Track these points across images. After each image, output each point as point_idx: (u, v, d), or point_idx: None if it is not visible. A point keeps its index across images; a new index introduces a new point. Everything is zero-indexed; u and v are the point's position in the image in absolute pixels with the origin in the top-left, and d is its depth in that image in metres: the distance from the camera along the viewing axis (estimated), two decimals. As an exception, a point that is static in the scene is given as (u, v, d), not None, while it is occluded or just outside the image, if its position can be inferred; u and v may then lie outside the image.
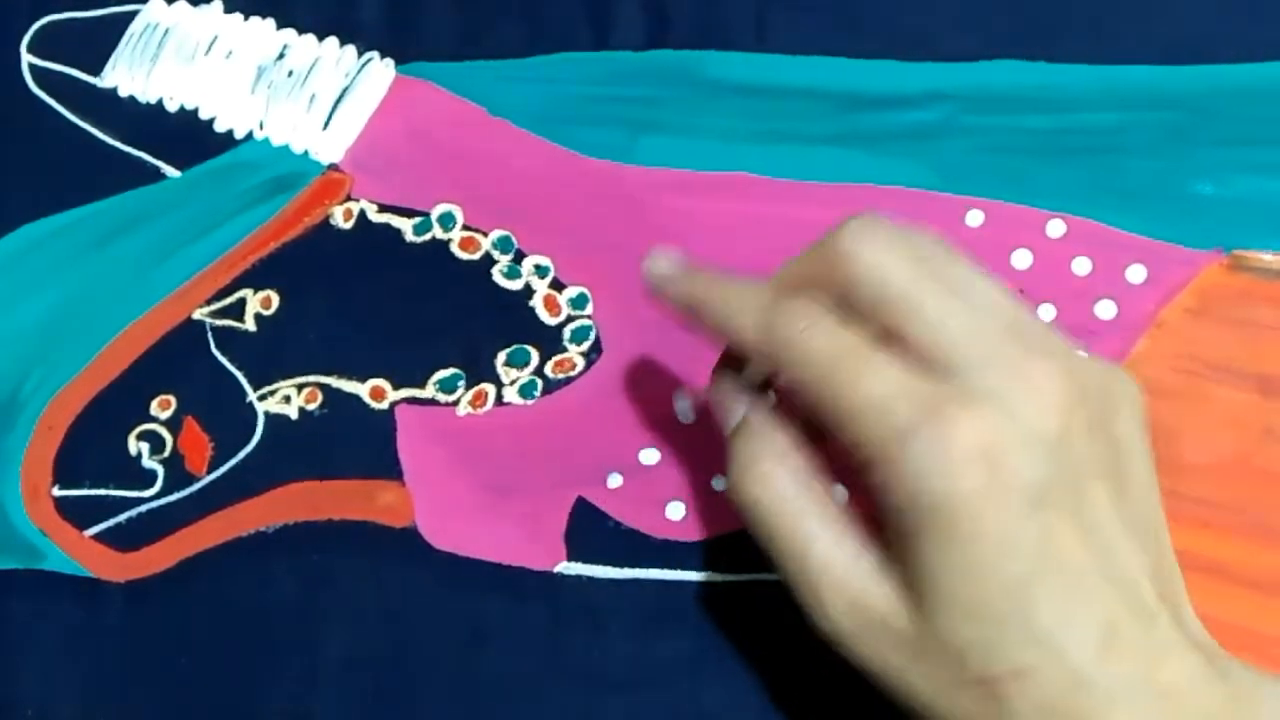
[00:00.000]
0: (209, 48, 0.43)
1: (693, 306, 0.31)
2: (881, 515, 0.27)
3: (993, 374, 0.26)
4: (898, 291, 0.27)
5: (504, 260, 0.39)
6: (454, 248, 0.40)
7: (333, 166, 0.41)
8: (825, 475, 0.29)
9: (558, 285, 0.39)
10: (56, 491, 0.38)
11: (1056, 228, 0.37)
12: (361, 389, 0.38)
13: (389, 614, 0.36)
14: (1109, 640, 0.26)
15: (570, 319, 0.38)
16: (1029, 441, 0.26)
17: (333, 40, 0.43)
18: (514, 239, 0.39)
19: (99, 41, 0.43)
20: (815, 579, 0.28)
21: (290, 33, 0.43)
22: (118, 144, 0.42)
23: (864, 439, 0.26)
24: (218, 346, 0.39)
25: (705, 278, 0.31)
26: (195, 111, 0.42)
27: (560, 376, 0.38)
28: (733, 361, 0.32)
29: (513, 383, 0.38)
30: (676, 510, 0.36)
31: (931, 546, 0.26)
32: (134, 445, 0.38)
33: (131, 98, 0.43)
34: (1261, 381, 0.36)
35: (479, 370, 0.38)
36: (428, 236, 0.40)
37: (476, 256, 0.40)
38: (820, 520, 0.28)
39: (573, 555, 0.36)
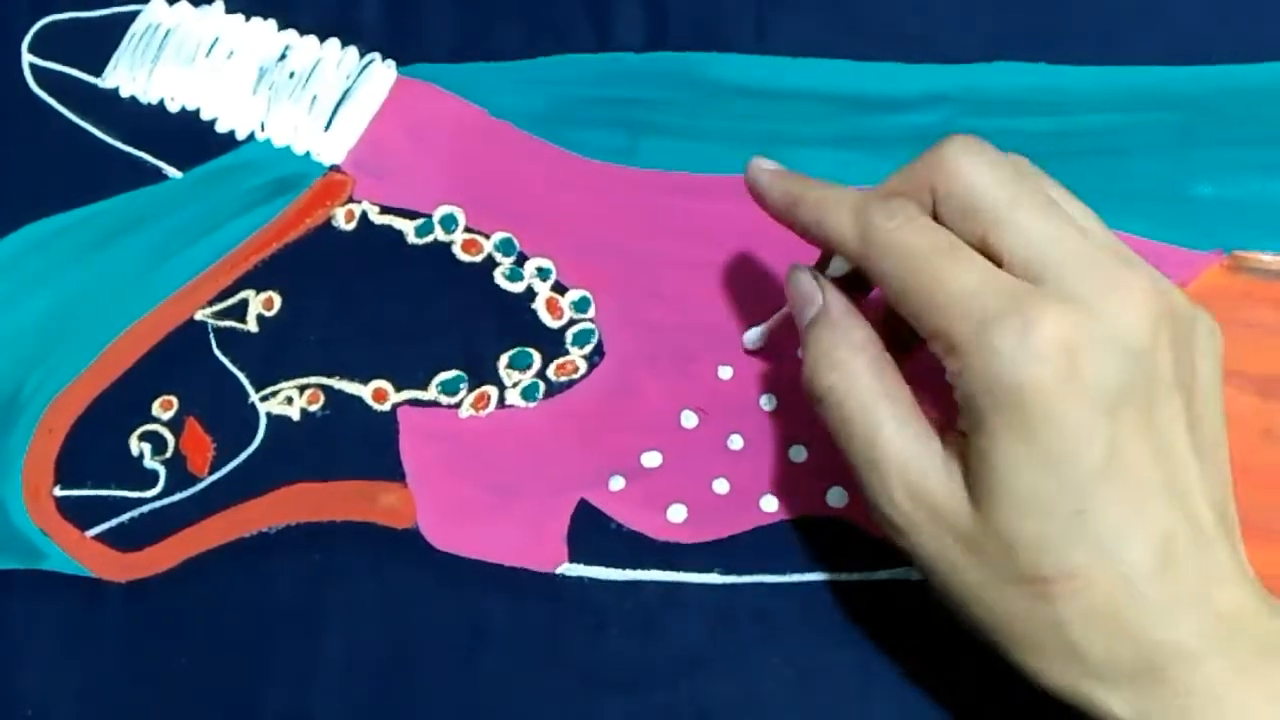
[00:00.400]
0: (210, 48, 0.43)
1: (792, 202, 0.32)
2: (958, 406, 0.28)
3: (1085, 281, 0.27)
4: (996, 202, 0.28)
5: (506, 262, 0.39)
6: (456, 250, 0.40)
7: (334, 168, 0.41)
8: (899, 373, 0.30)
9: (560, 288, 0.39)
10: (58, 492, 0.38)
11: (1057, 230, 0.37)
12: (364, 390, 0.38)
13: (390, 615, 0.36)
14: (1166, 556, 0.26)
15: (572, 322, 0.39)
16: (1113, 345, 0.26)
17: (334, 41, 0.43)
18: (516, 241, 0.40)
19: (100, 42, 0.43)
20: (882, 465, 0.29)
21: (292, 34, 0.43)
22: (119, 144, 0.42)
23: (948, 328, 0.27)
24: (220, 347, 0.39)
25: (805, 178, 0.32)
26: (197, 112, 0.42)
27: (562, 379, 0.38)
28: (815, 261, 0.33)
29: (515, 385, 0.38)
30: (678, 512, 0.36)
31: (1000, 437, 0.26)
32: (136, 446, 0.38)
33: (133, 98, 0.43)
34: (1261, 383, 0.36)
35: (481, 372, 0.38)
36: (430, 238, 0.40)
37: (478, 259, 0.40)
38: (892, 409, 0.29)
39: (574, 557, 0.36)
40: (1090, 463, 0.26)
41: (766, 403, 0.37)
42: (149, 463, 0.38)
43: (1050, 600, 0.26)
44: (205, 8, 0.43)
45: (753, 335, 0.37)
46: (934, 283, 0.28)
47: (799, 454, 0.36)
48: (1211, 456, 0.28)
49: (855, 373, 0.30)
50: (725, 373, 0.37)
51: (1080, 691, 0.27)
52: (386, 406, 0.38)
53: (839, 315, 0.31)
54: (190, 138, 0.42)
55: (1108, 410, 0.26)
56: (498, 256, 0.39)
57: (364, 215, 0.40)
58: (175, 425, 0.38)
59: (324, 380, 0.38)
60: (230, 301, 0.40)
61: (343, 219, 0.40)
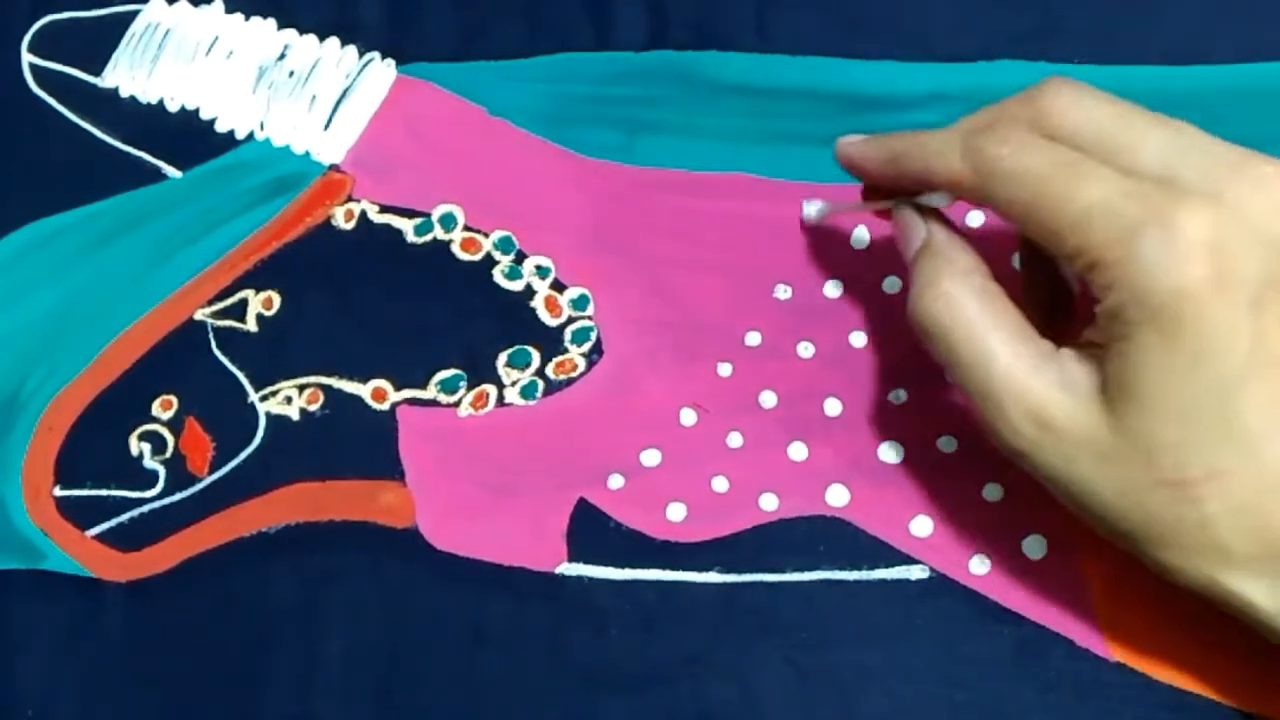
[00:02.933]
0: (210, 48, 0.43)
1: (892, 158, 0.32)
2: (1097, 320, 0.28)
3: (1220, 178, 0.27)
4: (1113, 120, 0.28)
5: (505, 261, 0.39)
6: (455, 248, 0.40)
7: (334, 167, 0.41)
8: (1008, 299, 0.30)
9: (559, 286, 0.39)
10: (58, 491, 0.38)
11: (1057, 228, 0.37)
12: (363, 390, 0.38)
13: (390, 614, 0.36)
14: None
15: (571, 320, 0.39)
16: (1255, 239, 0.26)
17: (334, 40, 0.43)
18: (515, 240, 0.40)
19: (100, 41, 0.43)
20: (998, 392, 0.29)
21: (291, 33, 0.43)
22: (118, 144, 0.42)
23: (1089, 243, 0.27)
24: (219, 347, 0.39)
25: (896, 134, 0.32)
26: (196, 112, 0.42)
27: (561, 377, 0.38)
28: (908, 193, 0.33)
29: (514, 384, 0.38)
30: (677, 511, 0.36)
31: (1147, 343, 0.26)
32: (135, 445, 0.38)
33: (132, 98, 0.43)
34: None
35: (480, 371, 0.38)
36: (429, 237, 0.40)
37: (478, 257, 0.40)
38: (1001, 335, 0.29)
39: (574, 556, 0.36)
40: (1237, 363, 0.26)
41: (766, 400, 0.37)
42: (149, 462, 0.38)
43: (1194, 501, 0.27)
44: (204, 7, 0.43)
45: (816, 206, 0.37)
46: (1065, 200, 0.27)
47: (799, 452, 0.36)
48: None
49: (961, 301, 0.30)
50: (725, 370, 0.37)
51: (1221, 585, 0.27)
52: (385, 406, 0.38)
53: (942, 244, 0.31)
54: (189, 137, 0.42)
55: (1252, 305, 0.26)
56: (496, 255, 0.39)
57: (363, 214, 0.40)
58: (175, 425, 0.39)
59: (323, 379, 0.38)
60: (230, 301, 0.40)
61: (342, 218, 0.40)
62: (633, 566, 0.36)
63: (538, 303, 0.39)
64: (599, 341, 0.38)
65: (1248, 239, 0.26)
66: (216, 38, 0.43)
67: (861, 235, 0.38)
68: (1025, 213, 0.28)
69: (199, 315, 0.40)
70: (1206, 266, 0.26)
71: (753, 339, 0.38)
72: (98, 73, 0.43)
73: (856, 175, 0.34)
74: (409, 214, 0.40)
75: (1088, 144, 0.28)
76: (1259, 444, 0.26)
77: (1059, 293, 0.34)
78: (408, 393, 0.38)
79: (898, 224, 0.33)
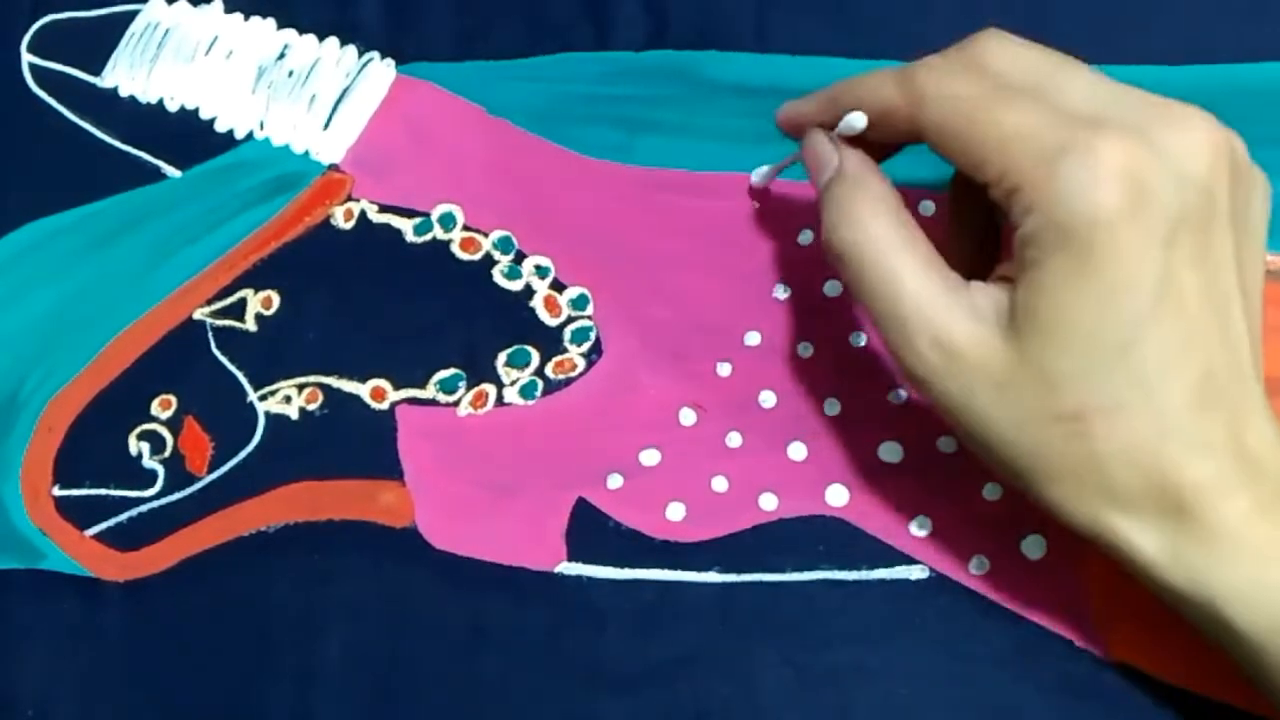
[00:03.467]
0: (209, 47, 0.43)
1: (830, 100, 0.32)
2: (1015, 248, 0.28)
3: (1144, 117, 0.27)
4: (1043, 64, 0.29)
5: (504, 261, 0.39)
6: (454, 248, 0.40)
7: (333, 166, 0.41)
8: (918, 227, 0.30)
9: (558, 286, 0.39)
10: (57, 491, 0.38)
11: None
12: (362, 389, 0.38)
13: (389, 614, 0.36)
14: (1204, 392, 0.26)
15: (571, 320, 0.39)
16: (1174, 174, 0.26)
17: (333, 40, 0.43)
18: (514, 239, 0.40)
19: (99, 41, 0.43)
20: (904, 316, 0.29)
21: (291, 33, 0.43)
22: (118, 144, 0.42)
23: (1011, 165, 0.27)
24: (218, 346, 0.39)
25: (835, 82, 0.33)
26: (196, 111, 0.42)
27: (561, 377, 0.38)
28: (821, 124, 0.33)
29: (513, 383, 0.38)
30: (676, 511, 0.36)
31: (1058, 270, 0.27)
32: (134, 445, 0.38)
33: (132, 97, 0.43)
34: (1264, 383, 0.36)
35: (480, 371, 0.38)
36: (428, 237, 0.40)
37: (477, 257, 0.40)
38: (912, 261, 0.29)
39: (573, 555, 0.36)
40: (1143, 296, 0.26)
41: (766, 400, 0.37)
42: (148, 462, 0.38)
43: (1088, 436, 0.27)
44: (204, 7, 0.43)
45: (761, 171, 0.38)
46: (992, 124, 0.28)
47: (798, 452, 0.36)
48: (1254, 297, 0.28)
49: (872, 225, 0.30)
50: (724, 370, 0.37)
51: (1106, 524, 0.27)
52: (385, 405, 0.38)
53: (855, 171, 0.31)
54: (189, 137, 0.42)
55: (1165, 240, 0.26)
56: (496, 254, 0.39)
57: (363, 214, 0.40)
58: (174, 424, 0.39)
59: (322, 379, 0.38)
60: (229, 300, 0.40)
61: (341, 218, 0.40)
62: (632, 566, 0.36)
63: (537, 302, 0.39)
64: (598, 341, 0.38)
65: (1165, 174, 0.26)
66: (216, 37, 0.43)
67: (861, 235, 0.38)
68: (952, 137, 0.29)
69: (198, 315, 0.40)
70: (1122, 196, 0.26)
71: (752, 339, 0.38)
72: (97, 72, 0.43)
73: (796, 134, 0.34)
74: (408, 214, 0.40)
75: (1017, 84, 0.29)
76: (1157, 383, 0.26)
77: (984, 252, 0.34)
78: (407, 392, 0.38)
79: (809, 151, 0.33)
